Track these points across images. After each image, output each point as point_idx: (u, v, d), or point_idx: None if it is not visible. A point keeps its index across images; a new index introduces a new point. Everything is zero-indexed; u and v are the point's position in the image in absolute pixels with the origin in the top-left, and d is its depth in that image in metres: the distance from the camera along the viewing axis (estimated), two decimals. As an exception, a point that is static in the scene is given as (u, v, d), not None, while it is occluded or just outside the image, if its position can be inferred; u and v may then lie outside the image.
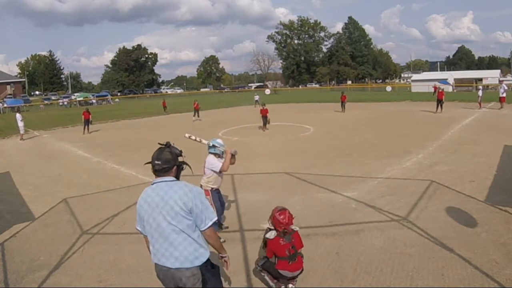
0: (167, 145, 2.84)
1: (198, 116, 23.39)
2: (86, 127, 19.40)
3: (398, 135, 14.49)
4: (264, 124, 17.36)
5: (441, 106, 20.99)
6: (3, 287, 4.46)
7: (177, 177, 2.82)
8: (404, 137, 13.79)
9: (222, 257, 2.96)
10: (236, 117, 24.50)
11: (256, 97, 33.12)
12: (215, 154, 5.53)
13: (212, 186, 5.58)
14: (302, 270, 4.00)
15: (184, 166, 2.88)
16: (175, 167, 2.78)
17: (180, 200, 2.65)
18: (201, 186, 5.70)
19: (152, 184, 2.78)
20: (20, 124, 17.81)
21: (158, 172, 2.75)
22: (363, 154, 11.18)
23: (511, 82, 50.07)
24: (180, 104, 37.15)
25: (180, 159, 2.87)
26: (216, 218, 2.84)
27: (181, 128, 20.22)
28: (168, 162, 2.74)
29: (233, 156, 5.50)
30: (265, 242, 4.06)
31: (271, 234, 3.94)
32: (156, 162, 2.73)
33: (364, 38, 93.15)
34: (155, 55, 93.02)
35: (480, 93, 22.79)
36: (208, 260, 2.81)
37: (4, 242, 5.79)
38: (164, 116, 28.03)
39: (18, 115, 18.23)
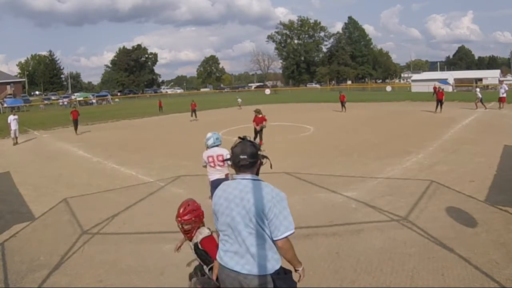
0: (247, 139, 2.57)
1: (196, 116, 23.39)
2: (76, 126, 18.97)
3: (398, 135, 14.48)
4: (255, 137, 12.81)
5: (441, 106, 21.03)
6: (3, 287, 4.46)
7: (258, 173, 2.59)
8: (404, 137, 13.78)
9: (296, 270, 2.58)
10: (235, 117, 24.46)
11: (239, 100, 32.49)
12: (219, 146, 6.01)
13: None
14: None
15: (265, 160, 2.61)
16: (259, 161, 2.55)
17: (260, 202, 2.38)
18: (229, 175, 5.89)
19: (234, 179, 2.54)
20: (15, 127, 16.29)
21: (244, 167, 2.49)
22: (363, 154, 11.17)
23: (511, 82, 50.06)
24: (180, 104, 37.14)
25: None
26: (293, 231, 2.44)
27: (181, 128, 20.28)
28: (254, 156, 2.49)
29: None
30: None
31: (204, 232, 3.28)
32: (242, 156, 2.46)
33: (364, 38, 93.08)
34: (155, 55, 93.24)
35: (478, 94, 22.79)
36: (280, 267, 2.49)
37: (4, 242, 5.79)
38: (164, 116, 28.03)
39: (11, 117, 16.54)
